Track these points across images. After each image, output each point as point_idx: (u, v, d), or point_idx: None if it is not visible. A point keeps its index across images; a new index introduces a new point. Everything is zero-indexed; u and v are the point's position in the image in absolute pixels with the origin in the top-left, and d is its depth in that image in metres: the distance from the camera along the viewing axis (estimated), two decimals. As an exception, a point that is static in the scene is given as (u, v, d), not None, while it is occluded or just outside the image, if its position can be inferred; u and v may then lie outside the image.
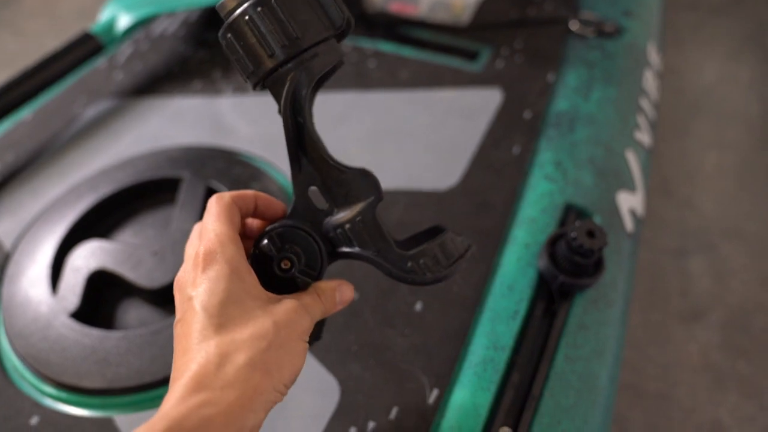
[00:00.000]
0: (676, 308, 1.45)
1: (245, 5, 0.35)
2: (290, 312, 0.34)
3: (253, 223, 0.40)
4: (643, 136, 0.76)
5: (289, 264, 0.37)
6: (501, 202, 0.64)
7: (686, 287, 1.49)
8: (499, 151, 0.70)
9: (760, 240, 1.58)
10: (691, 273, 1.52)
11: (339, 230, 0.38)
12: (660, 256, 1.56)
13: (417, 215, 0.63)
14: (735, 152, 1.83)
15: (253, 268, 0.35)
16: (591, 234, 0.52)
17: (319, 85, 0.39)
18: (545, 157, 0.69)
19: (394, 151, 0.71)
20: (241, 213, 0.38)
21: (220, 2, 0.36)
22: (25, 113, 0.82)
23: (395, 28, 0.91)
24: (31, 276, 0.59)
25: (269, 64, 0.36)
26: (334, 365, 0.51)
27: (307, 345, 0.35)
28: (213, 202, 0.37)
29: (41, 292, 0.57)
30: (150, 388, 0.50)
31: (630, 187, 0.68)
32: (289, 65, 0.36)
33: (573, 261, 0.53)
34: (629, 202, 0.67)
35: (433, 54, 0.85)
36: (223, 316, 0.31)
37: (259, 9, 0.34)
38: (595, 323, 0.54)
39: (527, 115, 0.74)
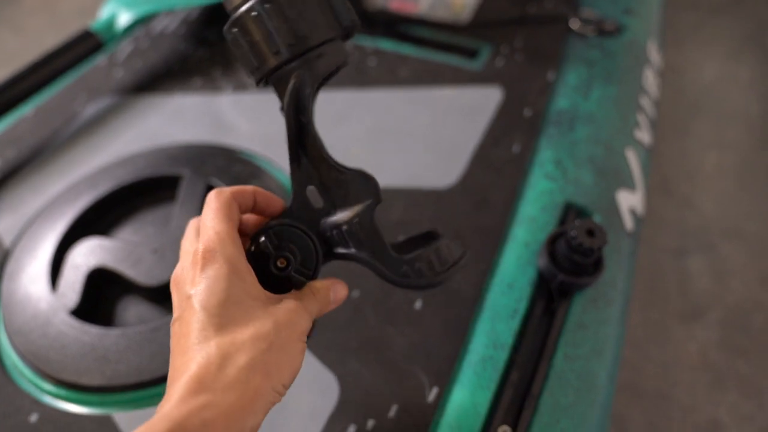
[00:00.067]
0: (675, 307, 1.45)
1: (253, 1, 0.34)
2: (290, 312, 0.34)
3: (249, 218, 0.40)
4: (643, 135, 0.76)
5: (285, 262, 0.37)
6: (501, 201, 0.64)
7: (686, 286, 1.49)
8: (499, 149, 0.70)
9: (759, 240, 1.58)
10: (691, 272, 1.52)
11: (335, 231, 0.38)
12: (660, 256, 1.56)
13: (417, 214, 0.63)
14: (735, 152, 1.83)
15: (250, 265, 0.35)
16: (591, 233, 0.52)
17: (321, 84, 0.39)
18: (545, 155, 0.69)
19: (393, 150, 0.71)
20: (240, 209, 0.37)
21: None
22: (25, 110, 0.82)
23: (395, 26, 0.91)
24: (31, 273, 0.59)
25: (274, 61, 0.36)
26: (333, 363, 0.51)
27: (306, 345, 0.35)
28: (212, 198, 0.36)
29: (41, 289, 0.57)
30: (149, 386, 0.50)
31: (630, 186, 0.68)
32: (294, 63, 0.36)
33: (573, 260, 0.53)
34: (629, 201, 0.67)
35: (433, 52, 0.85)
36: (223, 316, 0.31)
37: (267, 6, 0.34)
38: (594, 322, 0.54)
39: (527, 113, 0.74)
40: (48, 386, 0.51)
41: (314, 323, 0.43)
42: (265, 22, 0.34)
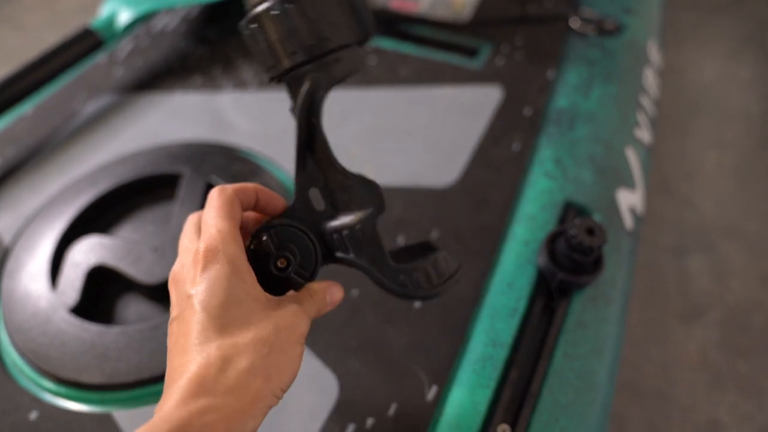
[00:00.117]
0: (675, 307, 1.45)
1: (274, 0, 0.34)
2: (290, 316, 0.34)
3: (249, 215, 0.40)
4: (643, 134, 0.76)
5: (285, 263, 0.36)
6: (501, 199, 0.64)
7: (685, 286, 1.49)
8: (499, 148, 0.70)
9: (759, 239, 1.59)
10: (691, 272, 1.52)
11: (336, 234, 0.38)
12: (659, 255, 1.56)
13: (417, 212, 0.63)
14: (735, 151, 1.83)
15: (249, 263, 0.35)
16: (590, 232, 0.52)
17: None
18: (545, 154, 0.69)
19: (394, 148, 0.71)
20: (242, 206, 0.37)
21: None
22: (25, 108, 0.82)
23: (395, 25, 0.91)
24: (31, 271, 0.59)
25: (291, 62, 0.35)
26: (333, 362, 0.51)
27: (304, 348, 0.35)
28: (215, 195, 0.36)
29: (41, 287, 0.57)
30: (149, 384, 0.50)
31: (630, 184, 0.68)
32: (311, 66, 0.35)
33: (572, 258, 0.53)
34: (629, 200, 0.67)
35: (433, 51, 0.85)
36: (224, 318, 0.31)
37: (289, 6, 0.34)
38: (594, 321, 0.54)
39: (527, 112, 0.74)
40: (48, 384, 0.52)
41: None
42: (286, 21, 0.34)
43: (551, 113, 0.74)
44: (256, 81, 0.83)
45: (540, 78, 0.80)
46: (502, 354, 0.51)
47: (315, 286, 0.38)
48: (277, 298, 0.35)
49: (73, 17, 2.43)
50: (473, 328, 0.54)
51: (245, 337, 0.31)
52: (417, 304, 0.55)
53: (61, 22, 2.44)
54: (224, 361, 0.30)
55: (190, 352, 0.30)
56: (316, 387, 0.50)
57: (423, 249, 0.43)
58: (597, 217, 0.62)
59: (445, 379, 0.50)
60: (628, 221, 0.65)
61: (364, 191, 0.39)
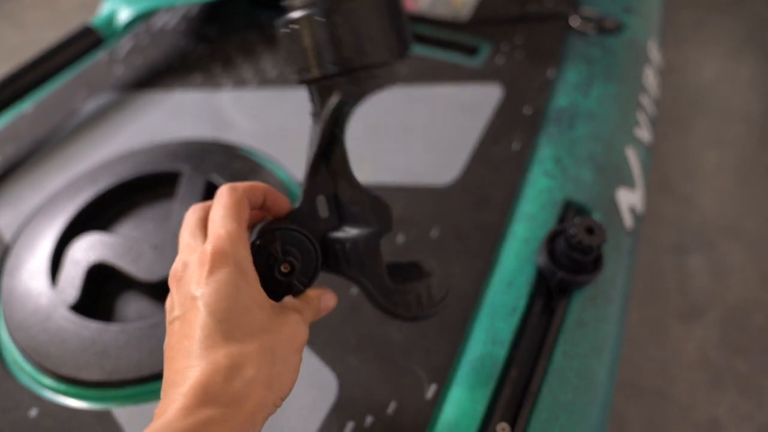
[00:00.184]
0: (674, 306, 1.46)
1: (324, 4, 0.33)
2: (293, 325, 0.34)
3: (252, 215, 0.40)
4: (643, 133, 0.76)
5: (289, 268, 0.36)
6: (500, 198, 0.64)
7: (685, 285, 1.49)
8: (499, 147, 0.70)
9: (759, 238, 1.59)
10: (690, 271, 1.52)
11: (339, 246, 0.38)
12: (659, 254, 1.56)
13: (417, 211, 0.63)
14: (735, 150, 1.83)
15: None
16: (590, 231, 0.52)
17: None
18: (545, 153, 0.69)
19: (393, 147, 0.71)
20: (249, 206, 0.37)
21: None
22: (25, 106, 0.82)
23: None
24: (31, 268, 0.59)
25: (326, 71, 0.35)
26: (332, 360, 0.51)
27: (302, 357, 0.35)
28: (225, 194, 0.35)
29: (41, 285, 0.57)
30: (148, 381, 0.50)
31: (630, 184, 0.68)
32: (344, 78, 0.35)
33: (572, 257, 0.53)
34: (629, 199, 0.67)
35: (432, 49, 0.85)
36: (230, 324, 0.30)
37: (336, 17, 0.33)
38: (593, 320, 0.54)
39: (527, 111, 0.74)
40: (48, 381, 0.52)
41: None
42: (329, 31, 0.33)
43: (551, 112, 0.74)
44: (256, 79, 0.83)
45: (540, 77, 0.79)
46: (501, 353, 0.51)
47: (311, 292, 0.38)
48: (278, 304, 0.35)
49: (73, 15, 2.43)
50: (473, 327, 0.54)
51: (252, 345, 0.30)
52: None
53: (61, 20, 2.44)
54: (231, 369, 0.29)
55: (194, 356, 0.29)
56: (315, 385, 0.50)
57: (412, 269, 0.44)
58: (597, 217, 0.62)
59: (444, 377, 0.50)
60: (628, 220, 0.65)
61: (374, 209, 0.38)
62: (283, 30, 0.35)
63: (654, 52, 0.91)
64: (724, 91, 2.05)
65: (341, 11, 0.33)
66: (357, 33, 0.34)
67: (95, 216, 0.66)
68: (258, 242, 0.36)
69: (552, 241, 0.56)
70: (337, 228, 0.39)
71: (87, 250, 0.60)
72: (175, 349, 0.31)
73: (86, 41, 0.81)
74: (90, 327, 0.54)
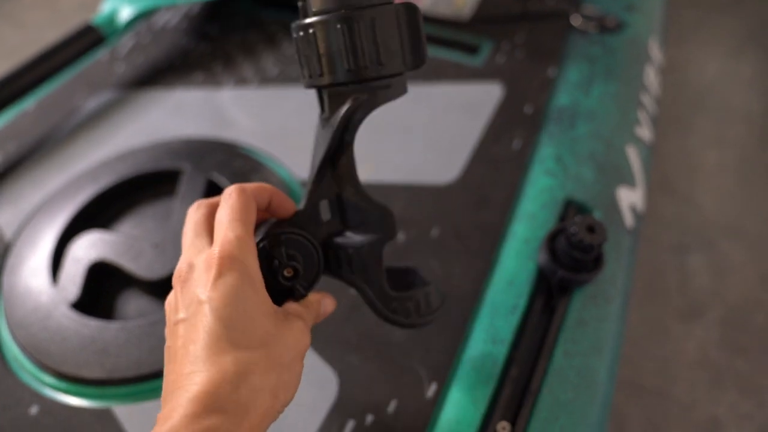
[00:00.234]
0: (675, 305, 1.45)
1: (347, 12, 0.33)
2: (297, 332, 0.33)
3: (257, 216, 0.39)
4: (644, 132, 0.76)
5: (292, 272, 0.36)
6: (501, 197, 0.64)
7: (685, 284, 1.49)
8: (500, 145, 0.70)
9: (759, 238, 1.58)
10: (691, 270, 1.52)
11: (342, 251, 0.38)
12: (660, 253, 1.56)
13: (417, 210, 0.63)
14: (736, 150, 1.83)
15: None
16: (591, 229, 0.52)
17: None
18: (546, 152, 0.69)
19: (394, 146, 0.71)
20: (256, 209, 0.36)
21: None
22: (27, 104, 0.82)
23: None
24: (32, 266, 0.59)
25: (341, 77, 0.34)
26: (332, 358, 0.52)
27: (303, 364, 0.34)
28: (234, 196, 0.35)
29: (42, 283, 0.58)
30: (148, 379, 0.50)
31: (630, 182, 0.68)
32: (358, 86, 0.35)
33: (572, 256, 0.53)
34: (629, 198, 0.67)
35: (434, 48, 0.85)
36: (238, 330, 0.30)
37: (356, 24, 0.33)
38: (594, 319, 0.54)
39: (528, 109, 0.74)
40: (48, 379, 0.52)
41: None
42: (348, 38, 0.33)
43: (552, 111, 0.74)
44: (257, 78, 0.83)
45: (541, 75, 0.79)
46: (502, 351, 0.51)
47: (311, 297, 0.38)
48: (282, 311, 0.34)
49: (73, 15, 2.43)
50: (473, 326, 0.54)
51: (259, 353, 0.30)
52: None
53: (61, 20, 2.44)
54: (239, 377, 0.29)
55: (200, 361, 0.29)
56: (315, 383, 0.50)
57: (408, 274, 0.44)
58: (597, 215, 0.62)
59: (444, 376, 0.50)
60: (629, 219, 0.65)
61: (378, 216, 0.38)
62: (300, 33, 0.35)
63: (655, 50, 0.91)
64: (724, 90, 2.05)
65: (364, 19, 0.33)
66: (376, 42, 0.33)
67: (96, 214, 0.66)
68: (263, 246, 0.36)
69: (553, 239, 0.56)
70: (338, 232, 0.39)
71: (88, 248, 0.60)
72: (179, 353, 0.30)
73: (87, 39, 0.81)
74: (90, 325, 0.54)
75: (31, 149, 0.75)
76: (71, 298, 0.56)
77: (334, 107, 0.36)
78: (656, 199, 1.66)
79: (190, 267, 0.33)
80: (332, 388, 0.50)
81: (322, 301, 0.39)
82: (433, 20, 0.90)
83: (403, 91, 0.37)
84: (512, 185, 0.65)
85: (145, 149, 0.72)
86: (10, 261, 0.61)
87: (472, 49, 0.85)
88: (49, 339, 0.53)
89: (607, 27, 0.87)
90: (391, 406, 0.48)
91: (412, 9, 0.34)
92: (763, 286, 1.48)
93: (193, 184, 0.65)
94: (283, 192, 0.39)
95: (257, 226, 0.38)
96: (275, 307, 0.33)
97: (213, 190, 0.65)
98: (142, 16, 0.88)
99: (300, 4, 0.36)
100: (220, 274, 0.31)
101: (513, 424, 0.47)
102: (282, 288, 0.36)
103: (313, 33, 0.34)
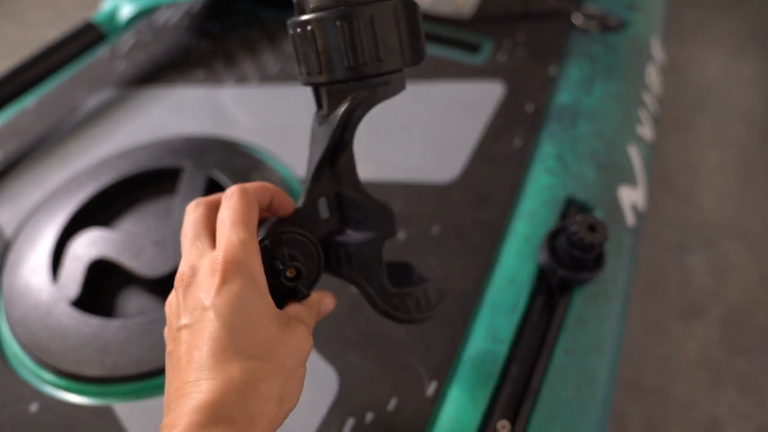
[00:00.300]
0: (675, 304, 1.45)
1: (346, 9, 0.32)
2: (300, 337, 0.33)
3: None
4: (646, 131, 0.76)
5: (295, 273, 0.36)
6: (502, 196, 0.64)
7: (686, 284, 1.49)
8: (501, 144, 0.70)
9: (760, 237, 1.58)
10: (691, 269, 1.52)
11: (342, 249, 0.38)
12: (660, 252, 1.56)
13: (418, 208, 0.63)
14: (737, 149, 1.83)
15: None
16: (592, 228, 0.52)
17: None
18: (547, 150, 0.69)
19: (395, 144, 0.71)
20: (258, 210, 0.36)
21: None
22: (27, 102, 0.82)
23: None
24: (32, 264, 0.59)
25: (340, 75, 0.34)
26: (332, 356, 0.52)
27: (306, 368, 0.34)
28: (236, 197, 0.34)
29: (42, 280, 0.58)
30: (149, 377, 0.50)
31: (631, 181, 0.68)
32: (358, 83, 0.34)
33: (573, 255, 0.53)
34: (631, 197, 0.66)
35: (434, 46, 0.85)
36: (244, 337, 0.29)
37: (356, 21, 0.32)
38: (594, 318, 0.54)
39: (529, 108, 0.74)
40: (48, 376, 0.52)
41: None
42: (348, 35, 0.32)
43: (553, 109, 0.74)
44: (258, 75, 0.83)
45: (542, 74, 0.79)
46: (502, 350, 0.51)
47: (311, 297, 0.38)
48: (284, 315, 0.34)
49: (74, 13, 2.43)
50: (473, 324, 0.53)
51: (265, 360, 0.30)
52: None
53: (62, 18, 2.44)
54: (246, 386, 0.28)
55: (206, 369, 0.28)
56: (316, 381, 0.50)
57: (405, 269, 0.44)
58: (598, 214, 0.62)
59: (445, 374, 0.50)
60: (630, 218, 0.65)
61: (378, 214, 0.38)
62: (297, 30, 0.34)
63: (657, 49, 0.91)
64: (725, 90, 2.04)
65: (363, 16, 0.32)
66: (376, 39, 0.33)
67: (96, 212, 0.66)
68: (264, 246, 0.35)
69: (553, 238, 0.56)
70: (337, 230, 0.39)
71: (88, 245, 0.60)
72: (183, 359, 0.30)
73: (88, 37, 0.81)
74: (91, 323, 0.54)
75: (32, 147, 0.75)
76: (71, 296, 0.56)
77: (333, 105, 0.35)
78: (657, 198, 1.65)
79: (193, 270, 0.32)
80: (332, 386, 0.50)
81: (322, 300, 0.39)
82: (433, 18, 0.89)
83: (402, 87, 0.36)
84: (513, 184, 0.65)
85: (145, 147, 0.72)
86: (11, 259, 0.61)
87: (472, 48, 0.85)
88: (50, 337, 0.53)
89: (608, 26, 0.87)
90: (391, 404, 0.48)
91: (410, 5, 0.34)
92: (764, 285, 1.48)
93: (193, 182, 0.65)
94: (283, 190, 0.38)
95: (258, 226, 0.38)
96: (278, 311, 0.33)
97: (213, 187, 0.65)
98: (142, 14, 0.88)
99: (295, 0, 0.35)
100: (224, 280, 0.30)
101: (513, 422, 0.47)
102: (284, 289, 0.36)
103: (312, 30, 0.33)
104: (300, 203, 0.38)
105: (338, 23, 0.32)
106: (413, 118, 0.74)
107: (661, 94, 0.93)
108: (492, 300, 0.55)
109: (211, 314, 0.29)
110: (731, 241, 1.58)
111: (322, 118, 0.37)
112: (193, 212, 0.36)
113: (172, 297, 0.34)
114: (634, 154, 0.71)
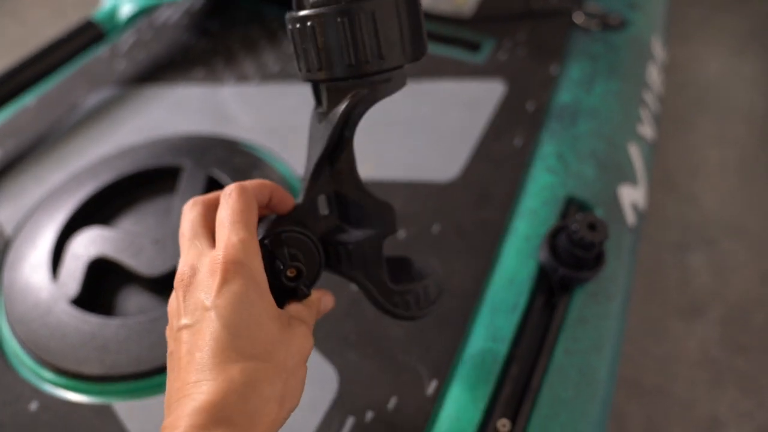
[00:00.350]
0: (675, 304, 1.45)
1: (347, 5, 0.32)
2: (301, 337, 0.33)
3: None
4: (646, 130, 0.76)
5: (295, 272, 0.36)
6: (502, 194, 0.64)
7: (686, 283, 1.49)
8: (501, 143, 0.70)
9: (760, 236, 1.58)
10: (692, 268, 1.52)
11: (342, 247, 0.38)
12: (660, 251, 1.55)
13: (418, 207, 0.63)
14: (738, 148, 1.83)
15: None
16: (592, 227, 0.52)
17: None
18: (547, 149, 0.68)
19: (395, 143, 0.71)
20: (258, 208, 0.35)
21: None
22: (27, 100, 0.82)
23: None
24: (32, 262, 0.59)
25: (341, 72, 0.33)
26: (332, 355, 0.51)
27: (307, 367, 0.34)
28: (235, 196, 0.34)
29: (42, 279, 0.57)
30: (148, 376, 0.50)
31: (632, 180, 0.68)
32: (358, 80, 0.34)
33: (574, 254, 0.53)
34: (631, 196, 0.66)
35: (435, 45, 0.85)
36: (245, 338, 0.29)
37: (358, 17, 0.32)
38: (594, 317, 0.54)
39: (530, 107, 0.74)
40: (48, 375, 0.52)
41: None
42: (349, 32, 0.32)
43: (554, 108, 0.74)
44: (258, 74, 0.83)
45: (543, 73, 0.79)
46: (502, 349, 0.51)
47: (312, 295, 0.37)
48: (285, 315, 0.34)
49: (74, 13, 2.42)
50: (473, 324, 0.53)
51: (266, 361, 0.30)
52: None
53: (62, 17, 2.44)
54: (247, 387, 0.28)
55: (207, 370, 0.28)
56: (315, 380, 0.50)
57: (404, 264, 0.44)
58: (599, 213, 0.62)
59: (445, 373, 0.50)
60: (630, 217, 0.65)
61: (378, 211, 0.38)
62: (297, 26, 0.33)
63: (658, 48, 0.90)
64: (727, 88, 2.04)
65: (364, 12, 0.32)
66: (377, 36, 0.32)
67: (96, 210, 0.66)
68: (264, 245, 0.35)
69: (554, 237, 0.56)
70: (337, 227, 0.39)
71: (88, 244, 0.60)
72: (183, 360, 0.30)
73: (88, 35, 0.81)
74: (90, 321, 0.54)
75: (32, 145, 0.75)
76: (71, 295, 0.56)
77: (333, 102, 0.35)
78: (657, 197, 1.65)
79: (193, 270, 0.32)
80: (332, 385, 0.49)
81: (321, 299, 0.39)
82: (434, 17, 0.89)
83: (403, 83, 0.36)
84: (513, 182, 0.65)
85: (145, 145, 0.72)
86: (10, 257, 0.61)
87: (473, 47, 0.85)
88: (49, 335, 0.53)
89: (609, 24, 0.87)
90: (391, 403, 0.48)
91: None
92: (764, 285, 1.48)
93: (193, 181, 0.65)
94: (283, 188, 0.38)
95: (259, 225, 0.37)
96: (279, 310, 0.33)
97: (213, 186, 0.65)
98: (142, 12, 0.88)
99: None
100: (225, 281, 0.30)
101: (513, 421, 0.47)
102: (284, 288, 0.36)
103: (312, 26, 0.32)
104: (300, 199, 0.38)
105: (339, 20, 0.32)
106: (413, 117, 0.74)
107: (662, 93, 0.93)
108: (492, 299, 0.55)
109: (212, 315, 0.29)
110: (732, 240, 1.58)
111: (321, 114, 0.36)
112: (190, 211, 0.36)
113: (172, 298, 0.33)
114: (635, 153, 0.71)
